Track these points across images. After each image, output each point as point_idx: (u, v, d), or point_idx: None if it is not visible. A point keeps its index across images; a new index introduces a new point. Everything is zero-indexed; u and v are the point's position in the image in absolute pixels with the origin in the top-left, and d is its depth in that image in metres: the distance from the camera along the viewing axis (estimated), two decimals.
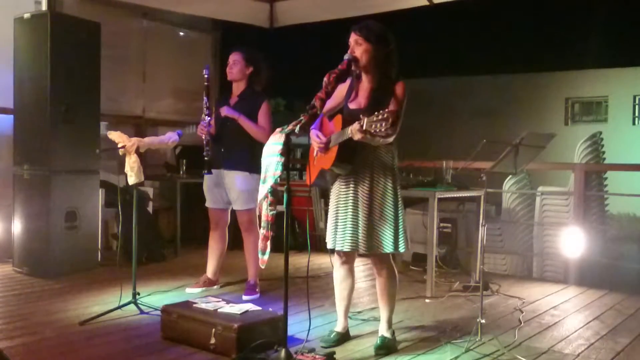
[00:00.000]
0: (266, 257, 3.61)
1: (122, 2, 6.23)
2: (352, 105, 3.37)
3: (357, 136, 3.03)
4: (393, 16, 6.10)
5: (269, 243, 3.55)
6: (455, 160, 5.03)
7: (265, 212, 3.55)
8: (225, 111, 4.43)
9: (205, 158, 4.40)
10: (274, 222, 3.56)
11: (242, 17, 6.93)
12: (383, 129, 2.88)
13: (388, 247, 3.30)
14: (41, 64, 5.10)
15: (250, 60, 4.51)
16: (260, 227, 3.55)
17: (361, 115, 2.99)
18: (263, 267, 3.74)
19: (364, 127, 2.94)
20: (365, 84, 3.36)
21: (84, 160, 5.32)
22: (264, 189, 3.53)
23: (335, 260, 3.51)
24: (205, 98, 4.41)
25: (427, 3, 6.05)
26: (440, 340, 3.59)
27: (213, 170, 4.53)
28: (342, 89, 3.42)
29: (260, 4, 6.98)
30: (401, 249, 3.39)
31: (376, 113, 2.90)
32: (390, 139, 3.25)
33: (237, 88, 4.57)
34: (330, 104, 3.43)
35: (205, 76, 4.40)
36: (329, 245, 3.43)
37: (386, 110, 2.89)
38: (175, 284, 4.87)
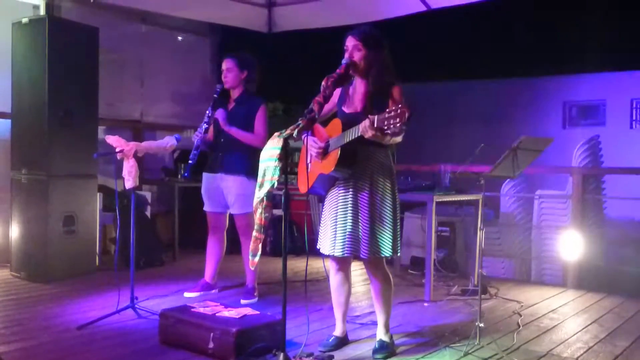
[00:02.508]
0: (256, 259, 3.64)
1: (121, 6, 6.24)
2: (347, 110, 3.37)
3: (369, 134, 3.02)
4: (390, 20, 6.11)
5: (260, 246, 3.55)
6: (453, 164, 5.04)
7: (260, 215, 3.56)
8: (220, 114, 4.46)
9: (190, 162, 4.44)
10: (267, 225, 3.58)
11: (240, 22, 6.93)
12: (398, 125, 2.86)
13: (387, 251, 3.30)
14: (39, 69, 5.10)
15: (243, 65, 4.55)
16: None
17: (369, 115, 2.98)
18: (252, 268, 3.77)
19: (376, 125, 2.93)
20: (360, 88, 3.36)
21: (82, 165, 5.31)
22: (260, 193, 3.54)
23: (331, 265, 3.50)
24: (209, 109, 4.52)
25: (424, 8, 6.05)
26: (439, 344, 3.59)
27: (212, 175, 4.58)
28: (335, 93, 3.40)
29: (259, 9, 6.99)
30: (398, 253, 3.40)
31: (388, 110, 2.89)
32: (399, 138, 3.23)
33: (234, 93, 4.60)
34: (323, 109, 3.43)
35: (217, 90, 4.56)
36: (326, 251, 3.39)
37: (399, 106, 2.87)
38: (174, 288, 4.86)
